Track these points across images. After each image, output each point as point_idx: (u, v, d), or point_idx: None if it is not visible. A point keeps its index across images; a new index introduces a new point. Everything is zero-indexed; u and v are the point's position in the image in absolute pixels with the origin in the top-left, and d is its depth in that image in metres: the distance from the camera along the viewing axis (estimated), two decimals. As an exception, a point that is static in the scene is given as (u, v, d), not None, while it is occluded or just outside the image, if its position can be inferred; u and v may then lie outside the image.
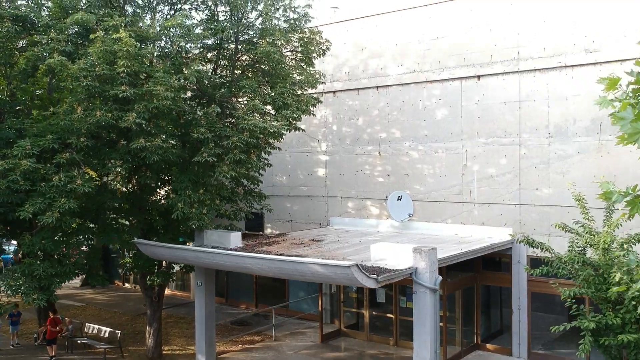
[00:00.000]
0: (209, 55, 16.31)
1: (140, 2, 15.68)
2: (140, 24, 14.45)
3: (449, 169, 16.47)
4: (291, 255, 12.66)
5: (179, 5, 15.88)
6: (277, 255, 12.72)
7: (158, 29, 14.46)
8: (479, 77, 15.87)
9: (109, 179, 15.07)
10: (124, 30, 12.90)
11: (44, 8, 15.50)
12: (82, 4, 14.58)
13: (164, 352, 16.81)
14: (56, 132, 13.52)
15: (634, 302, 9.28)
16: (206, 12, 15.84)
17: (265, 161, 16.75)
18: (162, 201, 16.11)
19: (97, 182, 14.09)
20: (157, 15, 16.03)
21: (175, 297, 24.11)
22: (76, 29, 14.67)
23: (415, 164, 17.17)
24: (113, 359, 16.68)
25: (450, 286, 15.17)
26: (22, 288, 13.51)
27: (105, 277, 17.77)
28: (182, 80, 13.77)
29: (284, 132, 15.13)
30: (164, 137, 13.94)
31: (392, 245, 12.62)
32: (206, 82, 15.32)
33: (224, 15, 15.64)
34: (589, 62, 14.06)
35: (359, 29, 18.40)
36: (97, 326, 17.95)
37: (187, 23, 14.30)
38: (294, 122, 15.53)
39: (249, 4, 15.22)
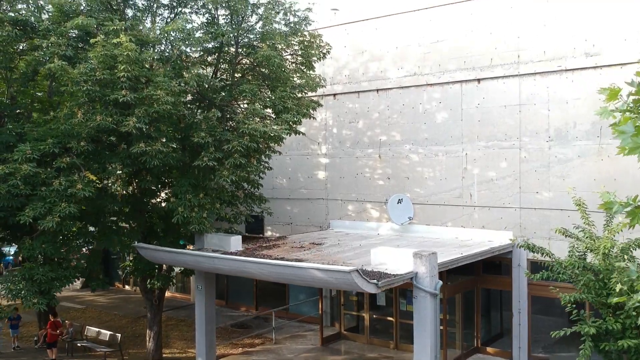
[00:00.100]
0: (209, 59, 16.29)
1: (140, 5, 15.70)
2: (141, 28, 14.44)
3: (449, 172, 16.47)
4: (291, 259, 12.65)
5: (179, 9, 15.89)
6: (277, 259, 12.73)
7: (158, 32, 14.48)
8: (479, 80, 15.87)
9: (109, 183, 15.08)
10: (124, 35, 12.91)
11: (45, 12, 15.49)
12: (82, 8, 14.58)
13: (164, 355, 16.82)
14: (56, 137, 13.51)
15: (634, 313, 9.29)
16: (206, 15, 15.86)
17: (266, 164, 16.77)
18: (163, 204, 16.13)
19: (98, 185, 14.09)
20: (158, 19, 16.05)
21: (176, 299, 24.13)
22: (76, 33, 14.67)
23: (416, 167, 17.18)
24: (113, 362, 16.75)
25: (450, 289, 15.17)
26: (23, 292, 13.50)
27: (105, 281, 17.75)
28: (182, 84, 13.78)
29: (284, 136, 15.14)
30: (164, 141, 13.95)
31: (392, 250, 12.64)
32: (206, 85, 15.33)
33: (224, 18, 15.67)
34: (589, 65, 14.06)
35: (359, 32, 18.40)
36: (97, 329, 17.97)
37: (187, 27, 14.31)
38: (294, 125, 15.53)
39: (249, 7, 15.25)
